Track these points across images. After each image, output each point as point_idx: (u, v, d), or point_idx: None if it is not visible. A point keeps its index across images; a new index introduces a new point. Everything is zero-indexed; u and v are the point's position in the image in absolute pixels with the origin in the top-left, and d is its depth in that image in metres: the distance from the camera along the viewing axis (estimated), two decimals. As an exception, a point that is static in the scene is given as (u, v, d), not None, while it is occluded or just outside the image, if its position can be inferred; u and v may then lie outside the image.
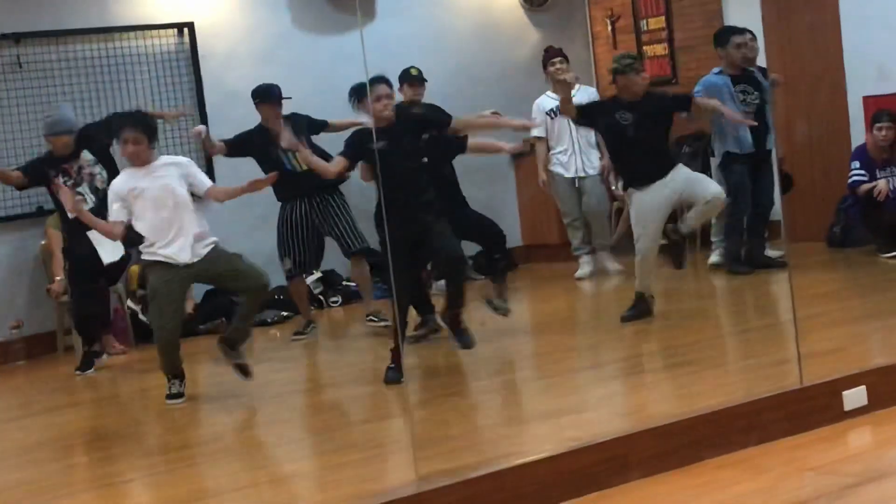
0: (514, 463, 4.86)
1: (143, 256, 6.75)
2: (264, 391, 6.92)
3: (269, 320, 9.18)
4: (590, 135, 9.60)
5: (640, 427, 5.16)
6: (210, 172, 9.49)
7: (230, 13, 10.03)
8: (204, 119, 9.75)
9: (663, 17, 11.01)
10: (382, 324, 8.18)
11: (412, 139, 7.01)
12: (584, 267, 9.76)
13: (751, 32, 8.92)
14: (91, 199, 8.00)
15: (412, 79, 8.79)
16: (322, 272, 9.63)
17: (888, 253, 8.83)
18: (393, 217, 6.33)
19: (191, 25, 9.79)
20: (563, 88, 7.87)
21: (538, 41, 10.91)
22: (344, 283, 9.88)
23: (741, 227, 9.00)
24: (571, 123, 9.45)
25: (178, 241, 6.61)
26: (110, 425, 6.72)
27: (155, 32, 9.67)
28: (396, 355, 6.60)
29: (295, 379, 7.19)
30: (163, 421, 6.73)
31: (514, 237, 11.05)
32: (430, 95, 8.44)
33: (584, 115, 7.92)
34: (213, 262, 6.71)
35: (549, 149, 9.79)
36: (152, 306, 6.74)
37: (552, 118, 9.63)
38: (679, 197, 7.61)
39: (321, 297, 9.76)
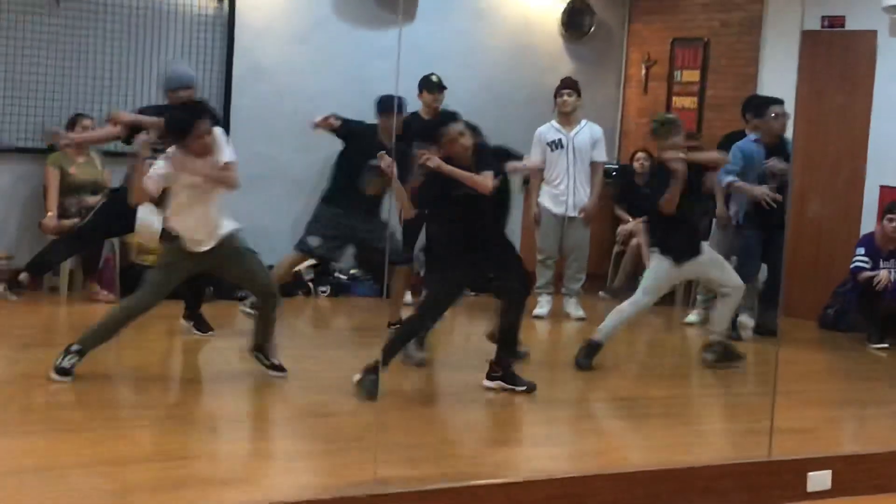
0: (470, 483, 4.86)
1: (170, 223, 6.46)
2: (234, 369, 6.89)
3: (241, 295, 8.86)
4: (586, 173, 9.41)
5: (602, 470, 5.16)
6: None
7: (272, -12, 10.03)
8: (228, 90, 9.74)
9: (698, 72, 11.03)
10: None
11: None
12: (544, 306, 9.42)
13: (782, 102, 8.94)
14: None
15: (432, 85, 8.84)
16: (317, 260, 9.40)
17: (878, 344, 8.82)
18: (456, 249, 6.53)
19: (232, -6, 9.80)
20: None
21: (571, 72, 10.86)
22: (336, 274, 9.87)
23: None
24: (571, 158, 9.36)
25: (202, 230, 6.44)
26: (77, 371, 6.61)
27: (196, -6, 9.67)
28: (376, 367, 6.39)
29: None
30: (134, 376, 6.69)
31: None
32: (455, 106, 8.40)
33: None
34: (228, 259, 6.54)
35: (542, 180, 9.44)
36: (151, 280, 6.49)
37: (552, 150, 9.37)
38: (695, 277, 7.93)
39: (310, 285, 9.73)
